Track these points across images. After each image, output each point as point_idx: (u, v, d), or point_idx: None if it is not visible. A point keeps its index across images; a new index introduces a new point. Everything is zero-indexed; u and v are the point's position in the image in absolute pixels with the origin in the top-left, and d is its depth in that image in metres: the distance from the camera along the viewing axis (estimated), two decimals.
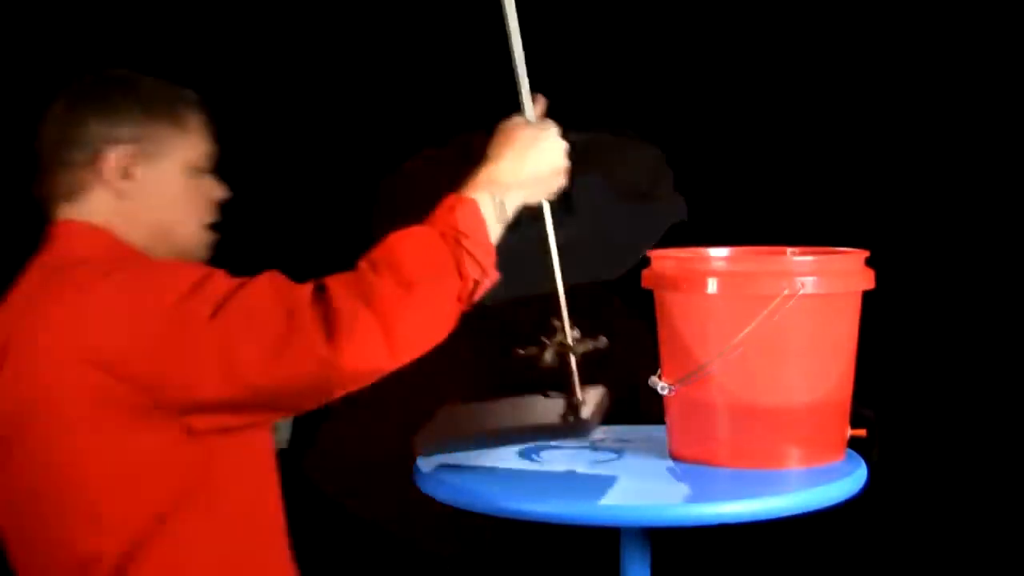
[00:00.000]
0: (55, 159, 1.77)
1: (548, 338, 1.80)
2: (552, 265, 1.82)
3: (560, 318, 1.80)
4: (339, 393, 1.64)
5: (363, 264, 1.63)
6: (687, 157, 2.88)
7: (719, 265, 2.00)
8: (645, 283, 1.98)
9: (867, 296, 1.95)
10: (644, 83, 2.81)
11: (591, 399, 1.81)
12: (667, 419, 1.98)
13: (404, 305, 1.59)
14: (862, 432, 1.96)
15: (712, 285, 1.88)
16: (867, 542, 2.85)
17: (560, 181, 1.80)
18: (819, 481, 1.81)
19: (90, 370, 1.60)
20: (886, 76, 2.82)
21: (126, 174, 1.75)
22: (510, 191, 1.73)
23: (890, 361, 2.69)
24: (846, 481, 1.81)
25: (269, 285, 1.62)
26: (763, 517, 1.71)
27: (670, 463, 1.94)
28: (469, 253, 1.64)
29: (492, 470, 1.86)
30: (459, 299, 1.65)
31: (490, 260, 1.67)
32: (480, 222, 1.67)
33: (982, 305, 2.80)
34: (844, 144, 2.84)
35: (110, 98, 1.78)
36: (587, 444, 1.99)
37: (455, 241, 1.64)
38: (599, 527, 1.74)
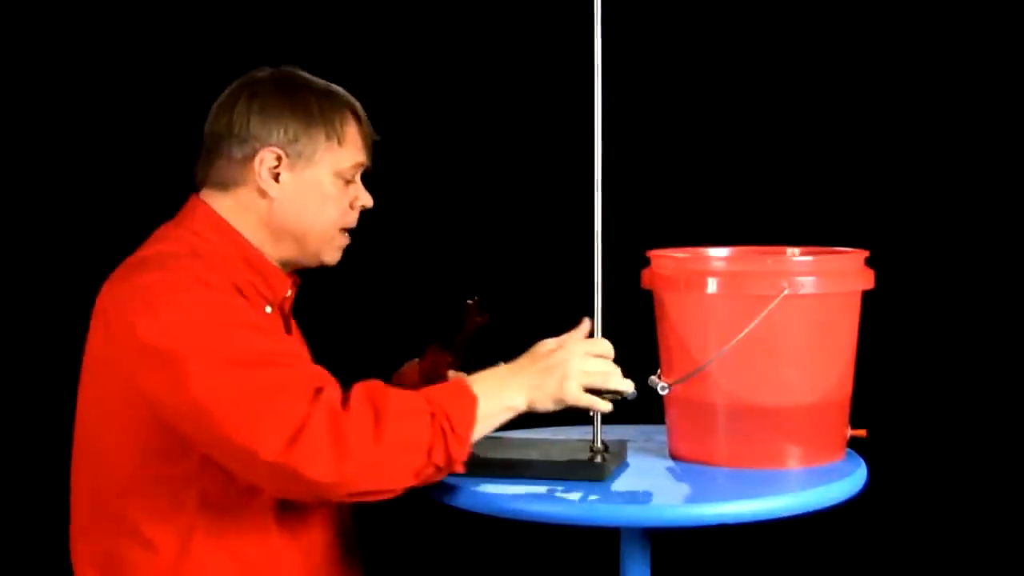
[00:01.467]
0: (217, 150, 1.85)
1: None
2: (595, 319, 1.85)
3: None
4: (283, 488, 1.67)
5: (365, 400, 1.66)
6: (687, 157, 2.89)
7: (718, 265, 2.00)
8: (644, 283, 1.98)
9: (867, 296, 1.95)
10: (643, 83, 2.80)
11: (611, 447, 1.87)
12: (667, 419, 1.98)
13: (365, 451, 1.62)
14: (862, 432, 1.96)
15: (711, 285, 1.88)
16: (867, 542, 2.84)
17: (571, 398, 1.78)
18: (819, 481, 1.81)
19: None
20: (886, 76, 2.82)
21: (275, 176, 1.83)
22: (519, 397, 1.75)
23: (890, 361, 2.69)
24: (846, 481, 1.81)
25: (305, 376, 1.67)
26: (763, 517, 1.71)
27: (670, 463, 1.94)
28: (446, 444, 1.67)
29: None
30: (416, 475, 1.68)
31: (461, 456, 1.69)
32: (471, 421, 1.69)
33: (982, 305, 2.80)
34: (844, 144, 2.84)
35: (275, 100, 1.84)
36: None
37: (440, 429, 1.67)
38: (599, 527, 1.74)
